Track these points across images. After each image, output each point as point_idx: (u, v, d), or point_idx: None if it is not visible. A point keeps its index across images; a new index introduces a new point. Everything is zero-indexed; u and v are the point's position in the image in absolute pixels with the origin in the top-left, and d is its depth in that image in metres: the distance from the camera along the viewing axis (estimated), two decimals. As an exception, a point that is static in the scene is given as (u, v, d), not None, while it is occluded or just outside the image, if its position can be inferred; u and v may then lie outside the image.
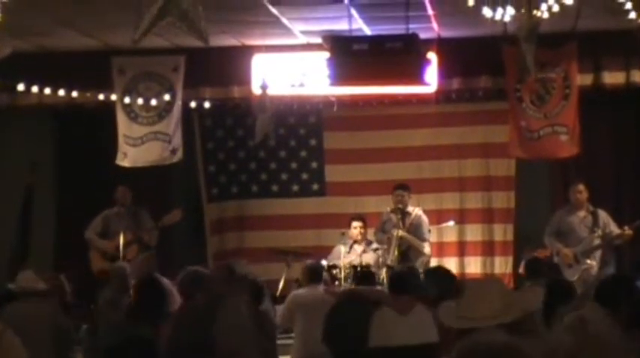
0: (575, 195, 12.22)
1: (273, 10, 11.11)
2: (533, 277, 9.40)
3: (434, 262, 13.26)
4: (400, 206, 12.51)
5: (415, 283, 8.94)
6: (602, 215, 12.13)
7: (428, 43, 11.74)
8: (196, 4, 7.44)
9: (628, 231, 11.87)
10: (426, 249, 12.57)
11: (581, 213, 12.17)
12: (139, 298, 8.00)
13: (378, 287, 11.50)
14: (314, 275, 10.15)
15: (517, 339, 3.79)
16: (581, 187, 12.23)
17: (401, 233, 12.32)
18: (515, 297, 4.95)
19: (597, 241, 12.03)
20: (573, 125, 12.50)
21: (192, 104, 13.42)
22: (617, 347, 5.03)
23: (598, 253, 12.06)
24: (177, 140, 13.24)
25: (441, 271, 9.31)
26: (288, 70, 12.80)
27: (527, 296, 5.27)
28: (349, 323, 8.50)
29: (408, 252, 12.38)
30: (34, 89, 12.86)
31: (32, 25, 11.58)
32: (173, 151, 13.23)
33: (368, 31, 11.92)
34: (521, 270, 11.33)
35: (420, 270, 12.08)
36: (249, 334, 7.73)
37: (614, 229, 12.02)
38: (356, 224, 12.63)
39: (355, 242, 12.61)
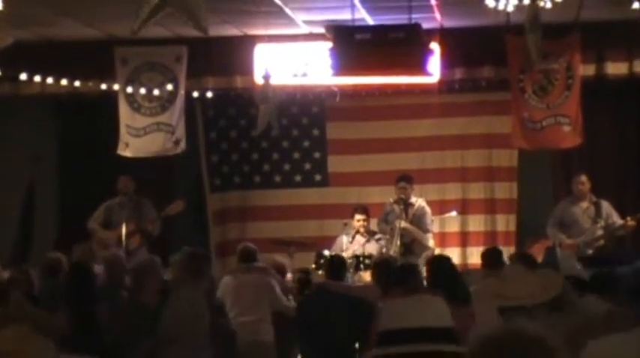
0: (577, 186, 12.23)
1: (276, 0, 11.10)
2: (491, 268, 9.07)
3: (436, 253, 13.26)
4: (403, 197, 12.50)
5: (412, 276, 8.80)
6: (605, 206, 12.12)
7: (431, 33, 11.72)
8: None
9: (631, 221, 11.86)
10: (430, 241, 12.53)
11: (584, 204, 12.17)
12: (68, 283, 8.11)
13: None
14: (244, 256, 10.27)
15: (557, 317, 3.83)
16: (583, 178, 12.23)
17: (404, 224, 12.30)
18: (546, 277, 5.12)
19: (600, 232, 12.03)
20: (576, 115, 12.48)
21: (195, 94, 13.43)
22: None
23: (601, 244, 12.06)
24: (181, 131, 13.23)
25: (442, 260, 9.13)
26: (291, 59, 12.79)
27: (551, 275, 5.46)
28: (322, 317, 8.44)
29: (411, 246, 12.34)
30: (37, 79, 12.86)
31: (34, 14, 11.58)
32: (176, 142, 13.22)
33: (371, 20, 11.91)
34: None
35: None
36: (201, 323, 7.77)
37: (617, 220, 12.01)
38: (359, 217, 12.59)
39: (358, 232, 12.60)
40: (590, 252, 11.83)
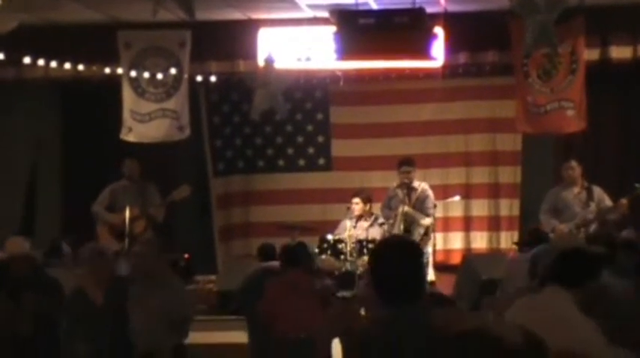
0: (567, 172, 12.10)
1: (280, -16, 11.10)
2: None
3: (440, 237, 13.26)
4: (406, 181, 12.41)
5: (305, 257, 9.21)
6: (597, 191, 12.04)
7: (435, 18, 11.68)
8: None
9: (622, 203, 11.72)
10: (425, 220, 12.35)
11: (576, 189, 12.08)
12: None
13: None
14: None
15: None
16: (572, 163, 12.14)
17: (406, 208, 12.25)
18: None
19: (591, 216, 11.96)
20: (580, 100, 12.46)
21: (199, 78, 13.40)
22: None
23: (593, 227, 11.98)
24: (185, 117, 13.22)
25: None
26: (295, 44, 12.77)
27: None
28: None
29: (410, 228, 12.32)
30: (40, 62, 12.83)
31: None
32: (181, 128, 13.21)
33: (374, 5, 11.89)
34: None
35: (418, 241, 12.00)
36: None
37: (609, 204, 11.93)
38: (355, 200, 12.49)
39: (361, 216, 12.57)
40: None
